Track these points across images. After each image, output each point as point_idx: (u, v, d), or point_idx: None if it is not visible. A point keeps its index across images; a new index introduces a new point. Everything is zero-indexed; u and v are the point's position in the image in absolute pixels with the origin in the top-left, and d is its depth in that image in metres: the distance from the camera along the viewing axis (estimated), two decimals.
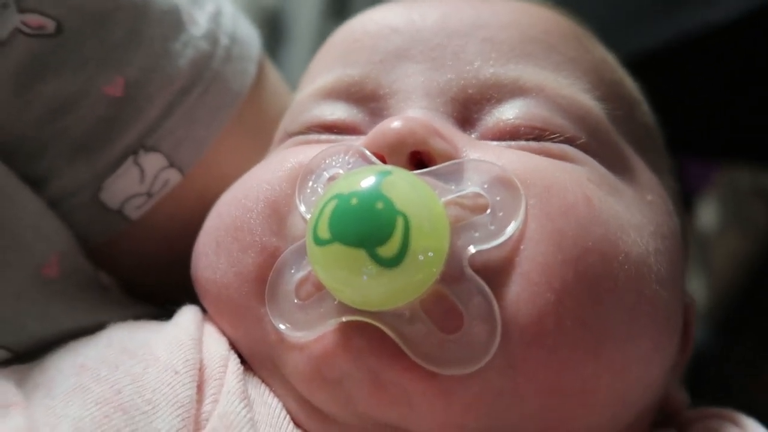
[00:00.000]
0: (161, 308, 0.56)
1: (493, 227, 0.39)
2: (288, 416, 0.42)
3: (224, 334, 0.46)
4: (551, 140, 0.46)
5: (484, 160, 0.42)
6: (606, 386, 0.41)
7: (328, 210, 0.38)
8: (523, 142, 0.46)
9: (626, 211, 0.44)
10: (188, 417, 0.39)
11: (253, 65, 0.61)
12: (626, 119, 0.52)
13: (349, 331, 0.39)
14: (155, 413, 0.39)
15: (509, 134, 0.46)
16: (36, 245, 0.49)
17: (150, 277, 0.58)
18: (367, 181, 0.38)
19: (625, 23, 1.00)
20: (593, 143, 0.47)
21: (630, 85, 0.57)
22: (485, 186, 0.41)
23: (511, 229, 0.39)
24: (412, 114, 0.46)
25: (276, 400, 0.43)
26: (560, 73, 0.49)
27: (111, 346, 0.45)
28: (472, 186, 0.41)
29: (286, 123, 0.55)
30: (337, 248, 0.37)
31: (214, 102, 0.56)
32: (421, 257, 0.37)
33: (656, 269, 0.43)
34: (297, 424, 0.42)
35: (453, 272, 0.38)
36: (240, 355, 0.46)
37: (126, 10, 0.52)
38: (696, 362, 0.59)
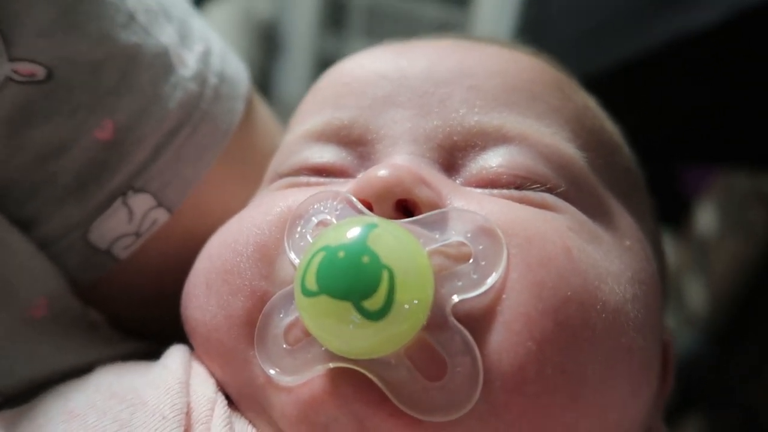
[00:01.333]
0: (150, 342, 0.58)
1: (475, 276, 0.41)
2: None
3: (212, 374, 0.48)
4: (532, 189, 0.48)
5: (467, 210, 0.44)
6: (588, 429, 0.42)
7: (315, 262, 0.39)
8: (504, 191, 0.47)
9: (605, 258, 0.46)
10: None
11: (241, 103, 0.62)
12: (607, 166, 0.54)
13: (336, 378, 0.41)
14: None
15: (491, 182, 0.48)
16: (24, 287, 0.51)
17: (139, 313, 0.60)
18: (354, 234, 0.40)
19: (619, 27, 1.01)
20: (573, 191, 0.49)
21: (610, 129, 0.59)
22: (468, 235, 0.42)
23: (492, 279, 0.41)
24: (398, 161, 0.47)
25: None
26: (543, 121, 0.51)
27: (99, 391, 0.46)
28: (456, 235, 0.42)
29: (276, 164, 0.57)
30: (325, 300, 0.38)
31: (201, 142, 0.58)
32: (406, 306, 0.38)
33: (633, 316, 0.45)
34: None
35: (437, 320, 0.40)
36: (227, 396, 0.47)
37: (117, 58, 0.53)
38: (696, 367, 0.60)
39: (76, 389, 0.47)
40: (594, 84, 0.62)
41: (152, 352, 0.52)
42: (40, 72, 0.50)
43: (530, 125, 0.50)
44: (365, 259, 0.38)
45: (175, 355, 0.49)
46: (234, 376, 0.46)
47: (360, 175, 0.48)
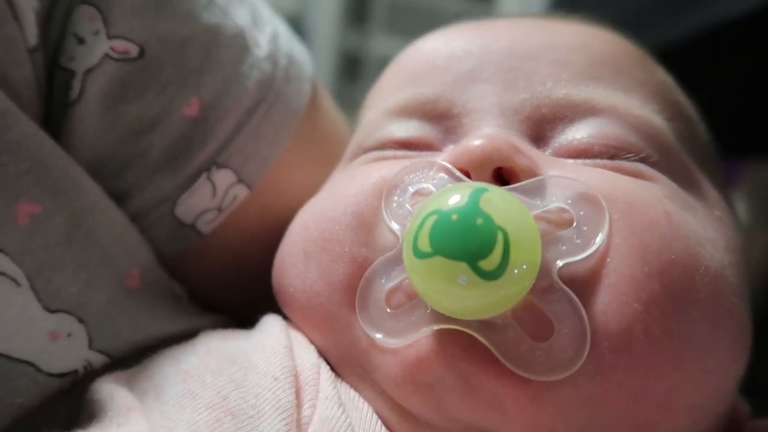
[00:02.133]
0: (227, 318, 0.59)
1: (579, 241, 0.42)
2: (380, 421, 0.45)
3: (311, 342, 0.49)
4: (625, 159, 0.49)
5: (566, 176, 0.45)
6: (688, 394, 0.43)
7: (428, 225, 0.40)
8: (597, 160, 0.48)
9: (701, 226, 0.47)
10: (291, 421, 0.42)
11: (308, 84, 0.64)
12: (691, 138, 0.55)
13: (443, 338, 0.42)
14: (260, 417, 0.42)
15: (583, 152, 0.49)
16: (121, 258, 0.52)
17: (217, 288, 0.61)
18: (465, 198, 0.41)
19: (652, 18, 1.02)
20: (664, 162, 0.50)
21: (688, 105, 0.60)
22: (569, 201, 0.43)
23: (597, 242, 0.42)
24: (489, 131, 0.47)
25: (367, 405, 0.45)
26: (630, 94, 0.52)
27: (210, 354, 0.48)
28: (556, 201, 0.44)
29: (359, 139, 0.58)
30: (439, 261, 0.39)
31: (276, 120, 0.60)
32: (516, 270, 0.39)
33: (731, 282, 0.46)
34: (389, 429, 0.45)
35: (543, 283, 0.41)
36: (328, 363, 0.48)
37: (200, 37, 0.55)
38: None
39: (185, 352, 0.49)
40: None
41: (232, 325, 0.54)
42: (133, 50, 0.52)
43: (618, 97, 0.51)
44: (479, 221, 0.40)
45: (273, 322, 0.50)
46: (336, 341, 0.47)
47: (452, 146, 0.48)
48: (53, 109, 0.51)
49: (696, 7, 0.97)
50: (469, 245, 0.39)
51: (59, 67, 0.51)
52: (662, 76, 0.58)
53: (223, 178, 0.57)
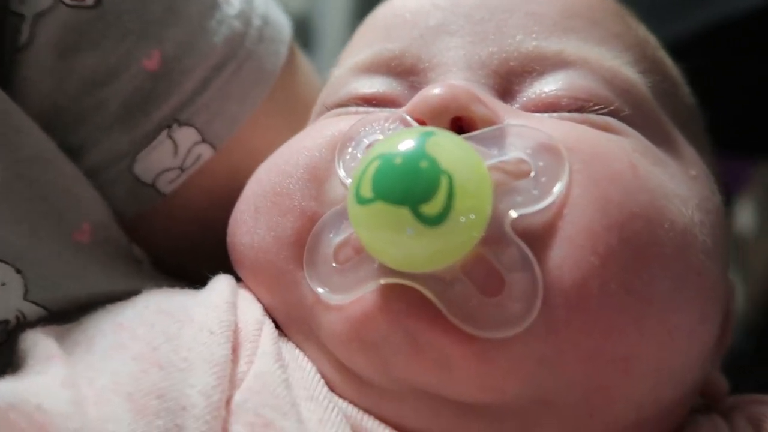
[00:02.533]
0: (191, 285, 0.57)
1: (536, 192, 0.40)
2: (322, 380, 0.43)
3: (259, 300, 0.47)
4: (594, 112, 0.46)
5: (527, 126, 0.43)
6: (649, 355, 0.41)
7: (371, 170, 0.38)
8: (565, 114, 0.46)
9: (671, 182, 0.45)
10: (223, 375, 0.40)
11: (285, 47, 0.62)
12: (669, 95, 0.53)
13: (388, 294, 0.40)
14: (191, 370, 0.40)
15: (551, 106, 0.47)
16: (70, 211, 0.51)
17: (181, 253, 0.60)
18: (411, 142, 0.39)
19: (652, 15, 1.00)
20: (637, 116, 0.48)
21: (672, 66, 0.57)
22: (528, 151, 0.41)
23: (555, 192, 0.40)
24: (450, 81, 0.46)
25: (310, 364, 0.44)
26: (604, 46, 0.50)
27: (148, 308, 0.46)
28: (515, 151, 0.41)
29: (324, 97, 0.56)
30: (380, 207, 0.37)
31: (247, 80, 0.58)
32: (463, 219, 0.37)
33: (701, 240, 0.43)
34: (332, 389, 0.43)
35: (494, 235, 0.39)
36: (275, 322, 0.46)
37: None
38: (732, 366, 0.58)
39: (125, 306, 0.47)
40: None
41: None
42: None
43: (590, 50, 0.49)
44: (423, 164, 0.37)
45: (222, 280, 0.49)
46: (282, 298, 0.45)
47: (415, 96, 0.47)
48: (4, 56, 0.50)
49: (704, 3, 0.95)
50: (411, 189, 0.37)
51: (10, 12, 0.49)
52: (642, 31, 0.56)
53: (186, 136, 0.55)
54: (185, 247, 0.59)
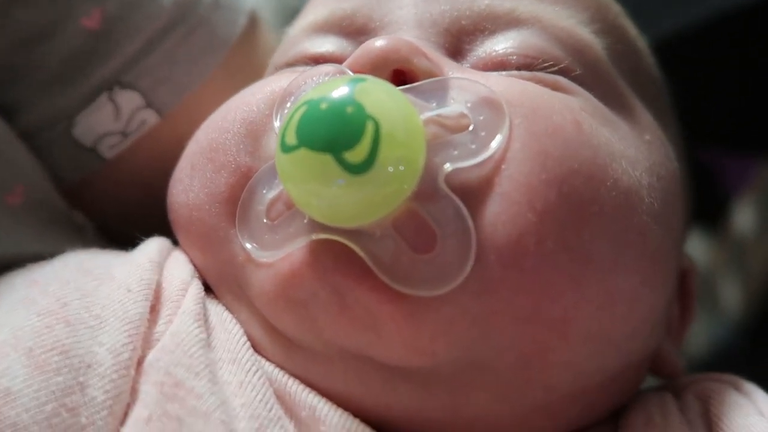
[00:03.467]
0: None
1: (473, 146, 0.38)
2: (248, 343, 0.41)
3: (193, 263, 0.46)
4: (543, 70, 0.45)
5: (468, 78, 0.41)
6: (588, 318, 0.39)
7: (297, 116, 0.37)
8: (514, 71, 0.45)
9: (619, 142, 0.43)
10: (136, 334, 0.39)
11: (244, 17, 0.60)
12: (628, 60, 0.51)
13: (317, 250, 0.38)
14: (102, 328, 0.39)
15: (500, 64, 0.45)
16: (1, 173, 0.49)
17: (127, 221, 0.57)
18: (340, 88, 0.37)
19: (655, 6, 0.98)
20: (589, 77, 0.46)
21: (635, 34, 0.56)
22: (468, 105, 0.40)
23: (493, 147, 0.38)
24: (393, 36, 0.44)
25: (237, 326, 0.42)
26: (559, 6, 0.49)
27: (67, 266, 0.44)
28: (454, 104, 0.40)
29: (276, 57, 0.55)
30: (303, 153, 0.36)
31: (198, 46, 0.56)
32: (391, 168, 0.35)
33: (648, 202, 0.42)
34: (260, 352, 0.41)
35: (427, 190, 0.37)
36: (207, 285, 0.45)
37: None
38: (730, 368, 0.56)
39: (44, 264, 0.45)
40: None
41: None
42: None
43: (544, 8, 0.48)
44: (349, 109, 0.36)
45: (153, 242, 0.47)
46: (214, 257, 0.44)
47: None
48: None
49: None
50: (335, 134, 0.35)
51: None
52: None
53: (129, 99, 0.53)
54: (131, 214, 0.57)
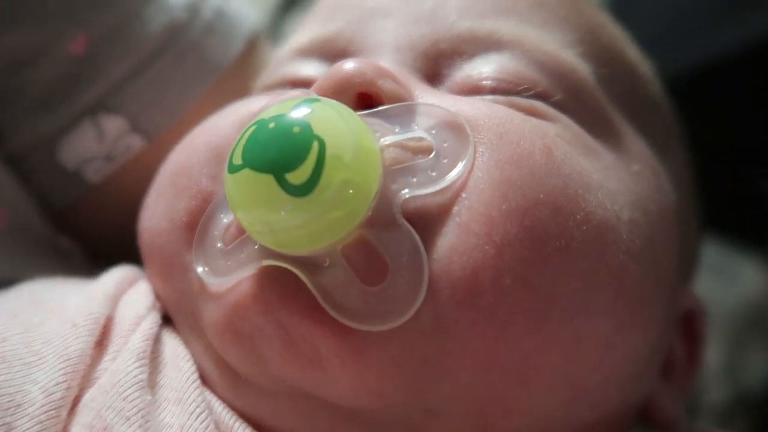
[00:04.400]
0: None
1: (434, 173, 0.36)
2: (196, 382, 0.39)
3: (155, 292, 0.44)
4: (520, 94, 0.43)
5: (434, 104, 0.39)
6: (552, 364, 0.36)
7: (246, 136, 0.35)
8: (488, 96, 0.43)
9: (598, 172, 0.40)
10: (72, 372, 0.37)
11: (240, 42, 0.60)
12: (620, 84, 0.49)
13: (264, 281, 0.36)
14: (38, 364, 0.38)
15: (476, 89, 0.44)
16: None
17: (115, 246, 0.57)
18: (292, 108, 0.35)
19: (693, 28, 0.95)
20: (571, 102, 0.44)
21: (632, 56, 0.54)
22: (432, 131, 0.38)
23: (453, 175, 0.36)
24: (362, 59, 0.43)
25: (189, 363, 0.40)
26: (545, 28, 0.47)
27: (20, 296, 0.44)
28: (418, 129, 0.38)
29: (260, 80, 0.55)
30: (246, 174, 0.35)
31: (188, 71, 0.56)
32: (336, 191, 0.33)
33: (627, 239, 0.39)
34: (209, 385, 0.40)
35: (382, 217, 0.35)
36: (169, 317, 0.43)
37: None
38: None
39: (1, 293, 0.45)
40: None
41: None
42: None
43: (528, 31, 0.46)
44: (296, 129, 0.34)
45: (117, 270, 0.46)
46: (173, 286, 0.43)
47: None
48: None
49: (739, 19, 0.90)
50: (278, 154, 0.34)
51: None
52: (599, 19, 0.52)
53: (113, 124, 0.53)
54: (119, 239, 0.56)
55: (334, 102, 0.37)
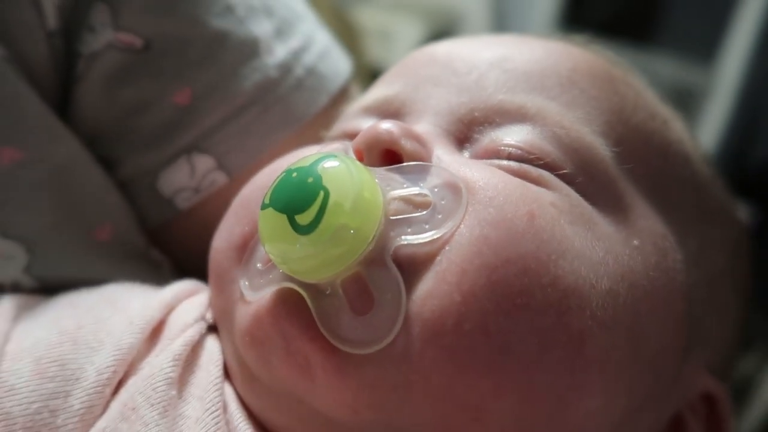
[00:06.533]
0: None
1: (427, 226, 0.43)
2: (219, 385, 0.48)
3: (210, 302, 0.53)
4: (531, 163, 0.48)
5: (443, 167, 0.46)
6: (506, 410, 0.41)
7: (276, 180, 0.43)
8: (503, 162, 0.49)
9: (585, 242, 0.45)
10: (122, 360, 0.47)
11: (325, 97, 0.70)
12: (643, 163, 0.52)
13: (278, 298, 0.44)
14: (99, 350, 0.48)
15: (495, 154, 0.50)
16: (93, 210, 0.62)
17: (198, 263, 0.67)
18: (313, 161, 0.43)
19: None
20: (581, 176, 0.49)
21: (672, 137, 0.57)
22: (435, 189, 0.45)
23: (442, 230, 0.43)
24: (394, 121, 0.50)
25: (218, 368, 0.49)
26: (570, 107, 0.52)
27: (102, 295, 0.54)
28: (423, 186, 0.45)
29: (330, 131, 0.63)
30: (269, 212, 0.43)
31: (272, 121, 0.66)
32: (337, 232, 0.41)
33: (597, 306, 0.42)
34: (232, 382, 0.48)
35: (376, 259, 0.42)
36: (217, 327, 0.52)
37: (205, 38, 0.65)
38: None
39: (89, 290, 0.56)
40: None
41: None
42: (138, 43, 0.63)
43: (553, 108, 0.51)
44: (310, 179, 0.42)
45: (181, 283, 0.56)
46: (221, 294, 0.51)
47: None
48: (64, 85, 0.63)
49: None
50: (292, 199, 0.42)
51: (75, 53, 0.62)
52: (634, 97, 0.56)
53: (203, 162, 0.65)
54: (200, 257, 0.67)
55: (349, 159, 0.44)
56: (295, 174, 0.43)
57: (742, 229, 0.60)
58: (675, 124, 0.58)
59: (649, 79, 0.61)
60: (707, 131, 2.78)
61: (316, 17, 0.76)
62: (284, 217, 0.42)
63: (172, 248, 0.68)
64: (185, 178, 0.65)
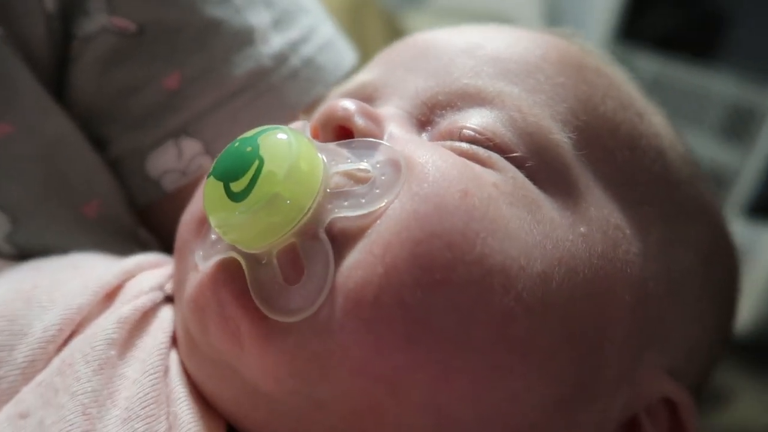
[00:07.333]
0: None
1: (363, 200, 0.44)
2: (163, 351, 0.49)
3: (172, 276, 0.55)
4: (481, 144, 0.48)
5: (391, 145, 0.46)
6: (422, 384, 0.41)
7: (223, 151, 0.45)
8: (455, 143, 0.49)
9: (523, 225, 0.44)
10: (69, 320, 0.49)
11: (323, 87, 0.71)
12: (605, 152, 0.51)
13: (221, 267, 0.45)
14: (50, 309, 0.49)
15: (450, 135, 0.50)
16: (81, 187, 0.64)
17: None
18: (258, 133, 0.44)
19: None
20: (532, 160, 0.48)
21: (644, 131, 0.55)
22: (377, 165, 0.45)
23: (377, 204, 0.43)
24: (348, 99, 0.51)
25: (165, 335, 0.50)
26: (532, 92, 0.52)
27: (67, 261, 0.57)
28: (366, 162, 0.45)
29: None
30: (211, 180, 0.44)
31: (262, 109, 0.68)
32: (271, 201, 0.41)
33: (525, 287, 0.42)
34: (177, 348, 0.49)
35: (310, 230, 0.43)
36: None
37: (199, 25, 0.67)
38: None
39: (58, 256, 0.58)
40: None
41: None
42: (131, 27, 0.65)
43: (514, 92, 0.51)
44: (249, 149, 0.43)
45: (147, 254, 0.58)
46: (180, 266, 0.52)
47: None
48: (60, 66, 0.65)
49: None
50: (229, 166, 0.43)
51: (71, 35, 0.65)
52: (605, 89, 0.55)
53: (191, 146, 0.66)
54: None
55: (294, 132, 0.45)
56: (237, 144, 0.44)
57: (722, 233, 0.58)
58: (653, 119, 0.57)
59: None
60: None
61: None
62: (221, 184, 0.43)
63: (160, 229, 0.70)
64: (172, 160, 0.67)
